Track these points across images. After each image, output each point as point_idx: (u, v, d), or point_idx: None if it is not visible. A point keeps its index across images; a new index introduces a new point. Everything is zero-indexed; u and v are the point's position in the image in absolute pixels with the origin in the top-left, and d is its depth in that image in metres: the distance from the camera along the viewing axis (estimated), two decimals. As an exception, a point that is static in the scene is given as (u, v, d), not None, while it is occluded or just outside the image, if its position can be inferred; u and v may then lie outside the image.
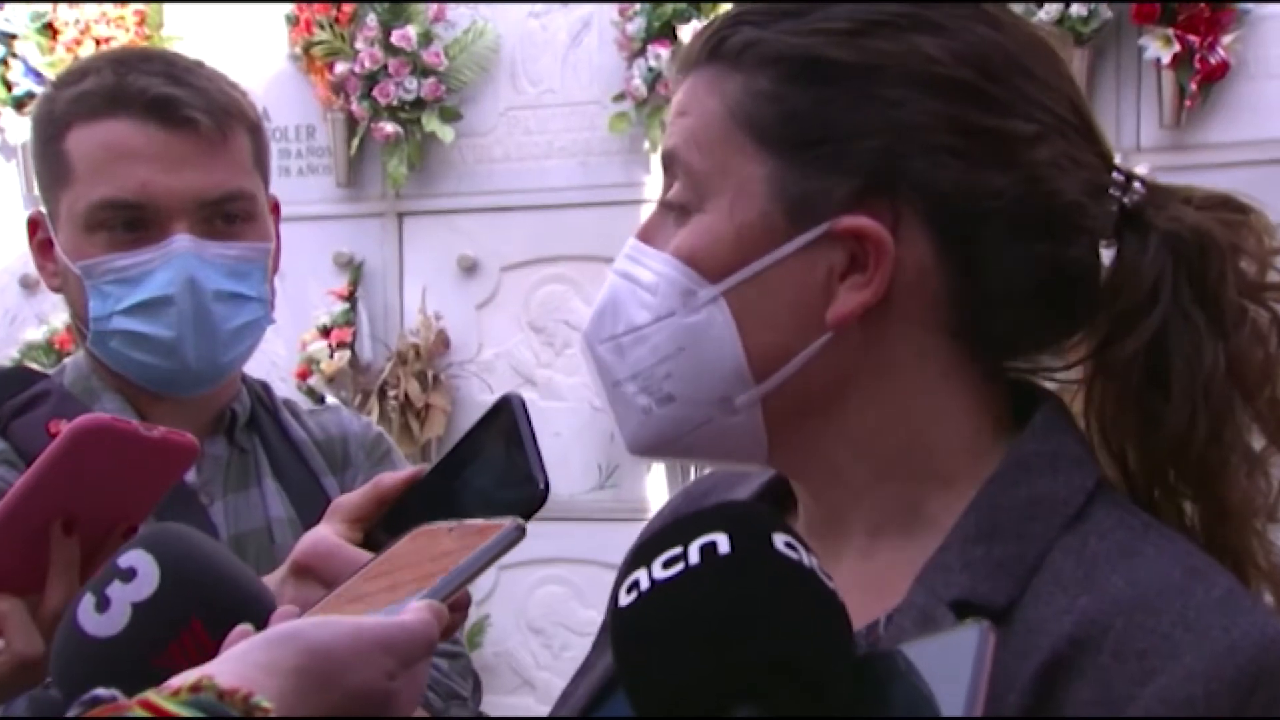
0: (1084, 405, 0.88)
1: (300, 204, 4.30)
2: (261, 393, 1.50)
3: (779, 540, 0.71)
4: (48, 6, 4.34)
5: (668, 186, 0.88)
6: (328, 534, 0.99)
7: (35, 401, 1.34)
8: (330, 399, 4.16)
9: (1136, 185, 0.86)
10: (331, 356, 4.13)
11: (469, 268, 4.10)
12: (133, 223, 1.33)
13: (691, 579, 0.70)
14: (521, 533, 0.83)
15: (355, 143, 4.17)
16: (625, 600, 0.72)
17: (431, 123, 4.09)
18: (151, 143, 1.31)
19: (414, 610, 0.77)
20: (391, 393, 4.07)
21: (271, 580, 1.03)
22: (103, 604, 0.83)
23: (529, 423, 0.96)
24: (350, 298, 4.20)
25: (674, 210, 0.87)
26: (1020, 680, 0.74)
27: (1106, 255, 0.87)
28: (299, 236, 4.28)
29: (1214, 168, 3.44)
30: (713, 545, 0.70)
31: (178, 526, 0.92)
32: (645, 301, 0.86)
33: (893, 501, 0.86)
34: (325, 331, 4.17)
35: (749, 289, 0.83)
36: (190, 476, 1.39)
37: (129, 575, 0.84)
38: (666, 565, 0.71)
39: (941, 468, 0.85)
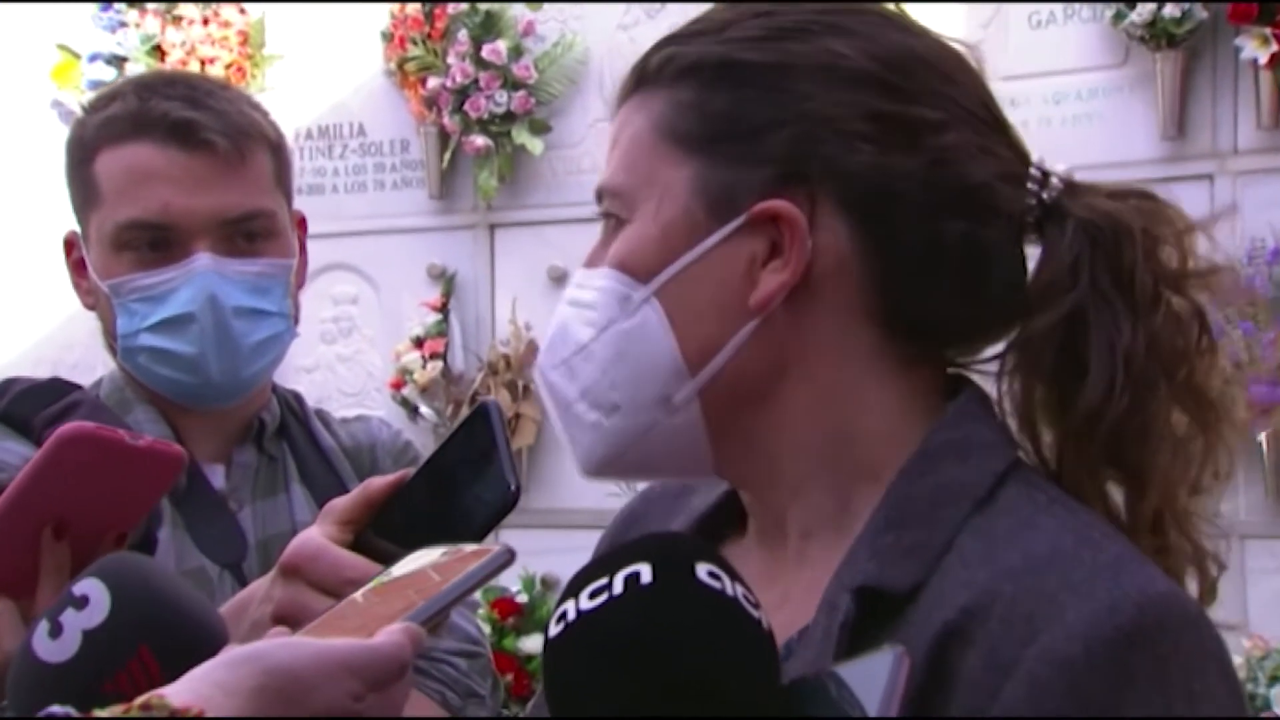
0: (998, 389, 0.89)
1: (394, 216, 4.41)
2: (293, 402, 1.54)
3: (701, 570, 0.73)
4: (155, 29, 4.48)
5: (604, 219, 0.92)
6: (315, 535, 1.02)
7: (68, 412, 1.39)
8: (424, 409, 4.24)
9: (1054, 180, 0.88)
10: (425, 367, 4.21)
11: (559, 278, 4.13)
12: (156, 242, 1.37)
13: (614, 609, 0.72)
14: (511, 557, 0.84)
15: (447, 156, 4.24)
16: (554, 631, 0.74)
17: (521, 135, 4.15)
18: (172, 165, 1.36)
19: (387, 632, 0.78)
20: (483, 402, 4.12)
21: (263, 582, 1.06)
22: (56, 630, 0.86)
23: (503, 428, 0.99)
24: (443, 309, 4.27)
25: (610, 229, 0.90)
26: (916, 655, 0.75)
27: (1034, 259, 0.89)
28: (393, 249, 4.40)
29: (1314, 169, 3.35)
30: (636, 576, 0.72)
31: (134, 555, 0.95)
32: (589, 319, 0.89)
33: (825, 500, 0.88)
34: (419, 342, 4.25)
35: (678, 285, 0.87)
36: (219, 483, 1.44)
37: (82, 603, 0.86)
38: (592, 596, 0.73)
39: (871, 458, 0.87)
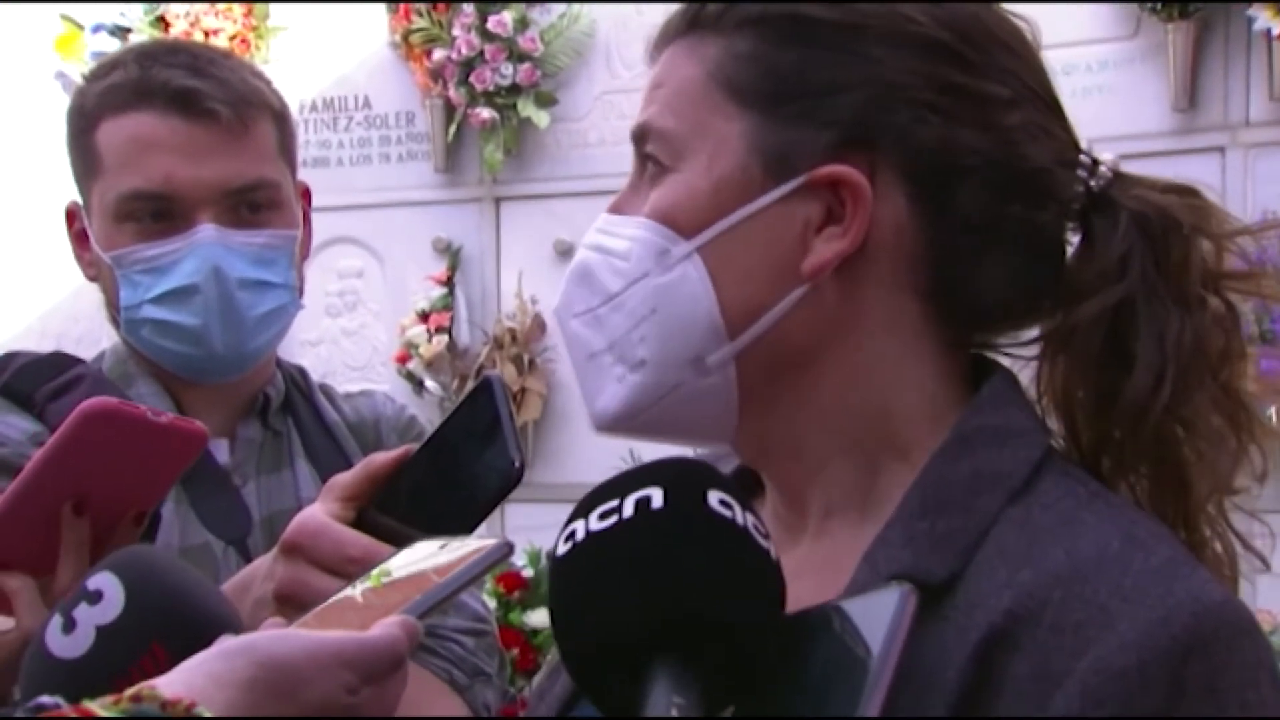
0: (1037, 379, 0.88)
1: (400, 190, 4.39)
2: (297, 376, 1.52)
3: (713, 497, 0.72)
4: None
5: (639, 162, 0.89)
6: (317, 512, 1.01)
7: (70, 386, 1.37)
8: (429, 383, 4.23)
9: (1103, 169, 0.86)
10: (430, 341, 4.20)
11: (565, 252, 4.12)
12: (159, 213, 1.35)
13: (622, 531, 0.71)
14: (509, 551, 0.83)
15: (453, 129, 4.22)
16: (562, 549, 0.73)
17: (527, 108, 4.13)
18: (175, 134, 1.33)
19: (383, 625, 0.77)
20: (488, 376, 4.12)
21: (265, 559, 1.05)
22: (69, 625, 0.85)
23: (507, 403, 0.98)
24: (448, 282, 4.26)
25: (647, 176, 0.87)
26: (960, 655, 0.74)
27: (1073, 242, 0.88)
28: (399, 222, 4.38)
29: (1326, 142, 3.32)
30: (647, 499, 0.71)
31: (148, 548, 0.93)
32: (618, 269, 0.86)
33: (849, 477, 0.86)
34: (424, 316, 4.24)
35: (725, 243, 0.84)
36: (224, 458, 1.43)
37: (95, 597, 0.85)
38: (602, 517, 0.72)
39: (899, 437, 0.85)
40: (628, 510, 0.71)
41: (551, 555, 0.74)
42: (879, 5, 0.83)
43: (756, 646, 0.70)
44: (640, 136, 0.88)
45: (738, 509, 0.72)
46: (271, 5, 4.49)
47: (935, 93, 0.82)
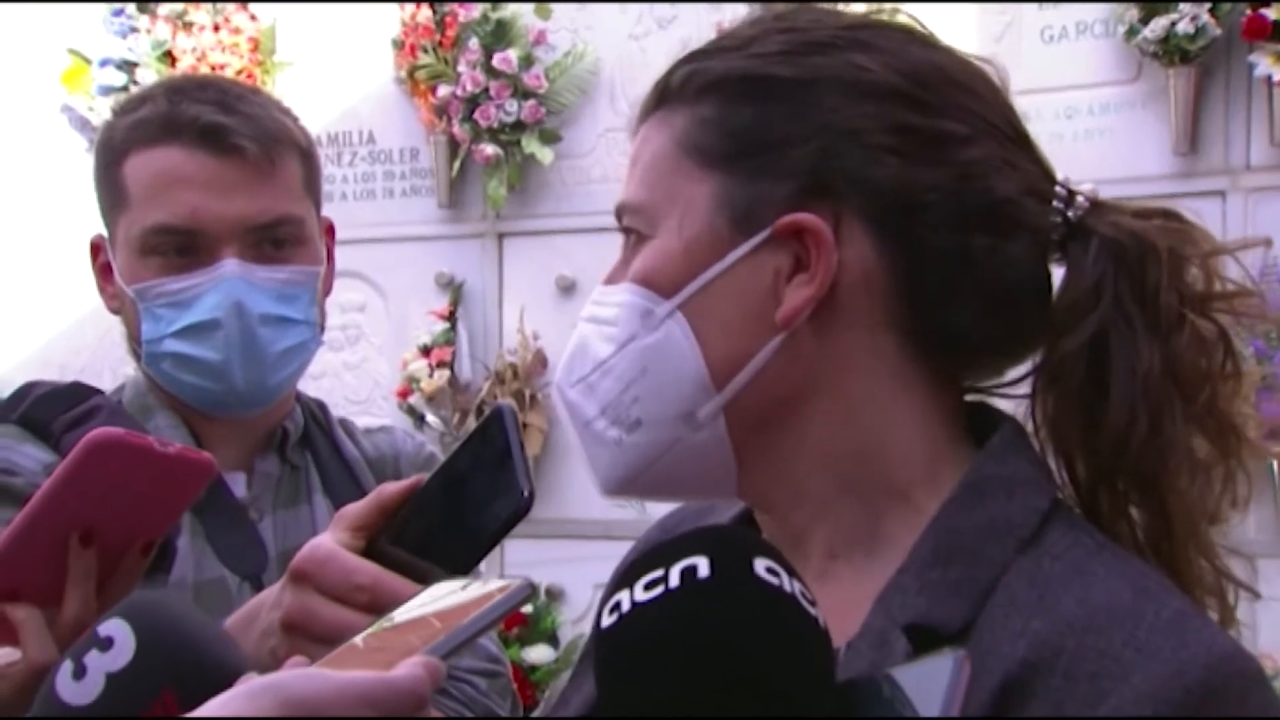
0: (1034, 416, 0.89)
1: (403, 225, 4.40)
2: (316, 411, 1.53)
3: (760, 565, 0.71)
4: (166, 35, 4.48)
5: (624, 236, 0.91)
6: (326, 541, 1.01)
7: (87, 417, 1.38)
8: (430, 418, 4.23)
9: (1080, 199, 0.88)
10: (431, 376, 4.20)
11: (567, 288, 4.13)
12: (184, 247, 1.36)
13: (670, 602, 0.70)
14: (532, 592, 0.83)
15: (457, 164, 4.23)
16: (607, 621, 0.72)
17: (531, 144, 4.14)
18: (202, 170, 1.35)
19: (407, 666, 0.77)
20: (489, 412, 4.11)
21: (273, 589, 1.05)
22: (80, 671, 0.84)
23: (518, 433, 0.98)
24: (450, 317, 4.26)
25: (630, 247, 0.90)
26: (975, 703, 0.74)
27: (1058, 275, 0.89)
28: (402, 257, 4.39)
29: (1327, 187, 3.34)
30: (693, 569, 0.71)
31: (160, 594, 0.93)
32: (609, 335, 0.88)
33: (852, 519, 0.87)
34: (426, 351, 4.24)
35: (703, 299, 0.86)
36: (241, 492, 1.43)
37: (106, 644, 0.85)
38: (648, 587, 0.71)
39: (898, 479, 0.86)
40: (674, 580, 0.71)
41: (596, 626, 0.74)
42: (833, 59, 0.86)
43: (808, 715, 0.69)
44: (619, 214, 0.91)
45: (785, 576, 0.72)
46: (278, 40, 4.51)
47: (889, 134, 0.84)
